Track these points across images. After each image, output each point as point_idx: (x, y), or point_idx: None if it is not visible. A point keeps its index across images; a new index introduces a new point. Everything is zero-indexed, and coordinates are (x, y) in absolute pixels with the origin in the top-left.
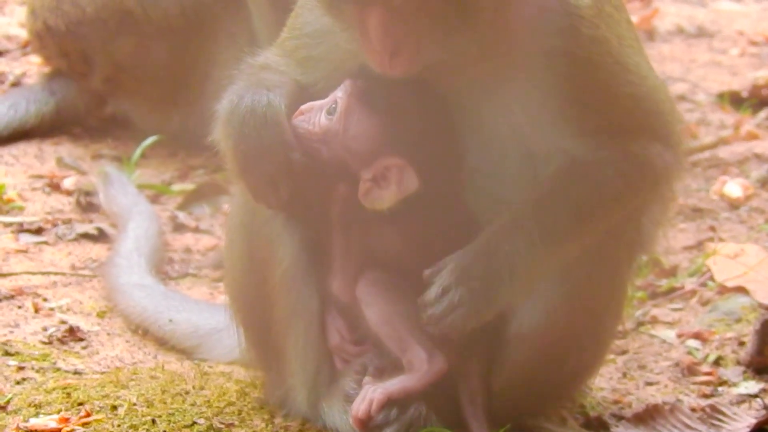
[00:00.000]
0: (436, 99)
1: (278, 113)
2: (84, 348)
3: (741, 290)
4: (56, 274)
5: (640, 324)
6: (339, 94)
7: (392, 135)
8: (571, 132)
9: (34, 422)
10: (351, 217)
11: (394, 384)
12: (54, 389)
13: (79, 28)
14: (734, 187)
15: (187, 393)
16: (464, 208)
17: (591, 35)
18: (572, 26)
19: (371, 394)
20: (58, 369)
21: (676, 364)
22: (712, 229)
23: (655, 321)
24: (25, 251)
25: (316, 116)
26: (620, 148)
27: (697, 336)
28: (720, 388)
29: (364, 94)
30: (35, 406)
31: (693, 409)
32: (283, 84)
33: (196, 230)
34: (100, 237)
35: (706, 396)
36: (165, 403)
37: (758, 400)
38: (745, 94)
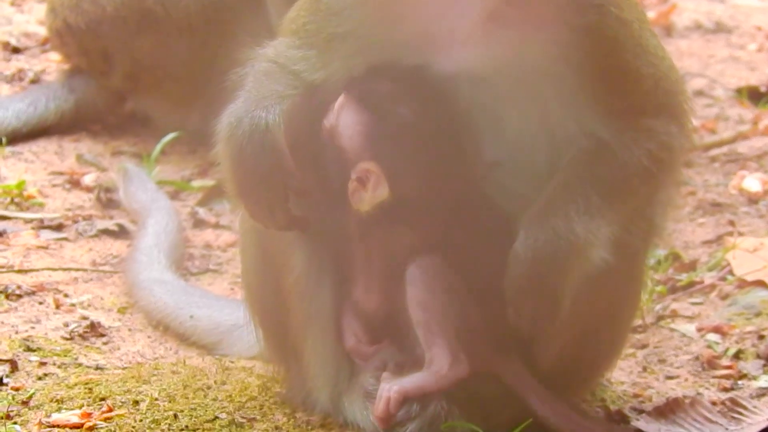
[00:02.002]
0: (441, 96)
1: (276, 138)
2: (105, 344)
3: (760, 284)
4: (77, 270)
5: (660, 318)
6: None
7: (380, 135)
8: (596, 113)
9: (56, 417)
10: (369, 223)
11: (411, 381)
12: (76, 384)
13: (99, 26)
14: (753, 182)
15: (208, 388)
16: (488, 202)
17: (617, 15)
18: (601, 5)
19: (387, 391)
20: (80, 364)
21: (696, 358)
22: (731, 223)
23: (675, 315)
24: (45, 247)
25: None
26: (643, 127)
27: (716, 330)
28: (740, 382)
29: (360, 92)
30: (57, 401)
31: (713, 403)
32: (287, 96)
33: (216, 226)
34: (121, 233)
35: (726, 390)
36: (187, 398)
37: None
38: (763, 89)
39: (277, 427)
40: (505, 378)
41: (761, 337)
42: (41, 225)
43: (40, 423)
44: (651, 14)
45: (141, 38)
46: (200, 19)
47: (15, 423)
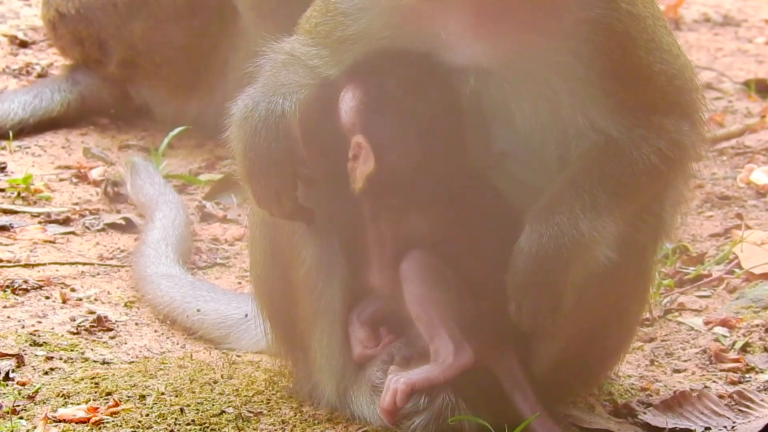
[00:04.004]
0: (440, 81)
1: (290, 125)
2: (112, 338)
3: None
4: (84, 264)
5: (668, 311)
6: None
7: (368, 109)
8: (607, 108)
9: (62, 412)
10: (384, 207)
11: (417, 374)
12: (82, 379)
13: (90, 12)
14: (761, 175)
15: (215, 382)
16: (496, 194)
17: (628, 10)
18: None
19: (394, 384)
20: (87, 359)
21: (704, 351)
22: (739, 216)
23: (682, 308)
24: (52, 242)
25: None
26: (654, 125)
27: (724, 323)
28: (747, 375)
29: (358, 73)
30: (64, 396)
31: (720, 396)
32: (304, 86)
33: (224, 220)
34: (128, 227)
35: (733, 383)
36: (193, 392)
37: None
38: None
39: (283, 421)
40: (498, 373)
41: None
42: (48, 219)
43: (46, 418)
44: (659, 7)
45: (133, 22)
46: (197, 2)
47: (21, 418)
